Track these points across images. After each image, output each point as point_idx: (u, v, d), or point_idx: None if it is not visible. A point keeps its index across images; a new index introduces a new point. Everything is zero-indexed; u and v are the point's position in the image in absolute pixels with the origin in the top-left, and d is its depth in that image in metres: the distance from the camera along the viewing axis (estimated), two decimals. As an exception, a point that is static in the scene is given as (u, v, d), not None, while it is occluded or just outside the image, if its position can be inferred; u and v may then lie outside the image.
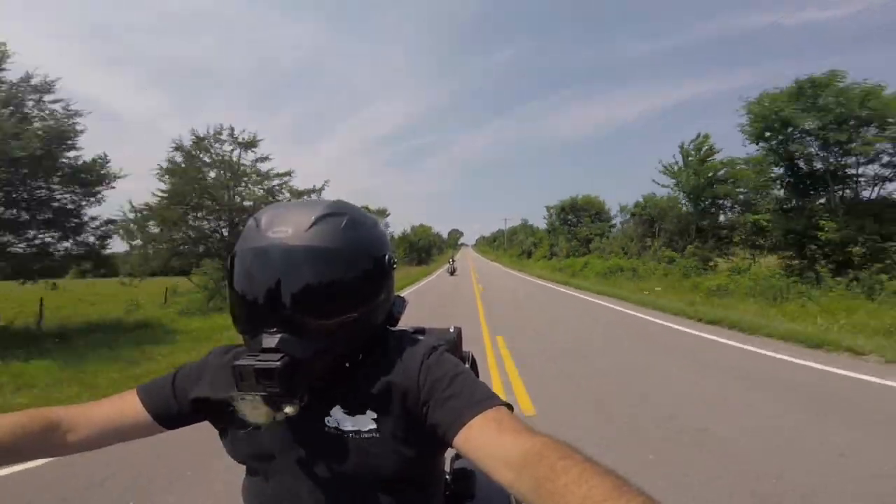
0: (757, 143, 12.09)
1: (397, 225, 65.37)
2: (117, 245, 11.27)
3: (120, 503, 2.47)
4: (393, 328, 0.76)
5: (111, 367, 5.57)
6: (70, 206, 8.22)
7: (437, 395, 0.61)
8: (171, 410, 0.71)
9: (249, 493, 0.71)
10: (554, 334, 7.66)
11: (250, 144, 13.64)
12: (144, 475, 2.76)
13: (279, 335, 0.59)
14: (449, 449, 0.66)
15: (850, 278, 9.73)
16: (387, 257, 0.70)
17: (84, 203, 8.33)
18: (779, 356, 5.56)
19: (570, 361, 5.55)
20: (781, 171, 12.18)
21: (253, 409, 0.58)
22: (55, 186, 8.06)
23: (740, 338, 6.82)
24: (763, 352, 5.86)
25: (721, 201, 16.73)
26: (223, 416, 0.67)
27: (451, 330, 1.04)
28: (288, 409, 0.58)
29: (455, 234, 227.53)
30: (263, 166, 13.86)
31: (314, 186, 14.46)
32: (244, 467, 0.72)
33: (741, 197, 14.67)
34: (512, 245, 67.28)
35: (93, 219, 8.62)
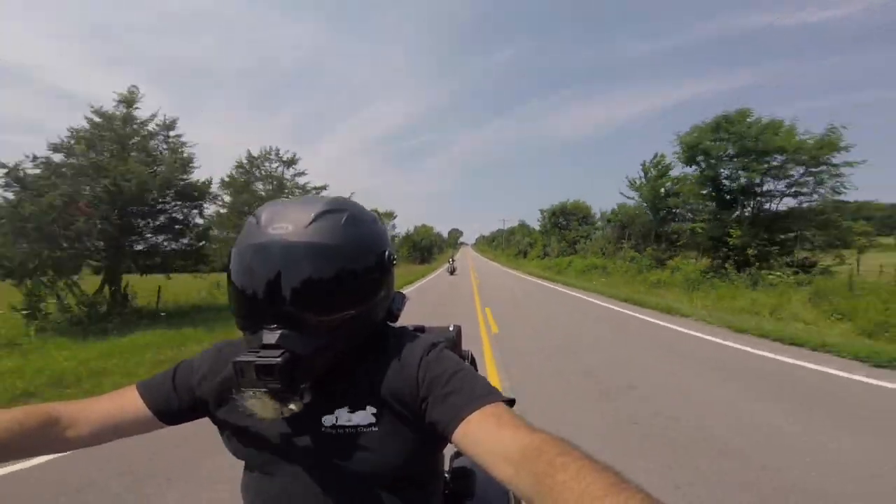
0: (690, 167, 15.56)
1: (401, 226, 68.59)
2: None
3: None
4: (393, 325, 0.77)
5: (201, 333, 7.87)
6: (179, 216, 11.57)
7: (436, 391, 0.62)
8: (171, 406, 0.72)
9: (249, 490, 0.71)
10: (524, 305, 11.36)
11: (291, 162, 17.10)
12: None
13: (279, 331, 0.60)
14: (448, 448, 0.70)
15: (746, 274, 13.10)
16: (387, 254, 0.71)
17: (191, 213, 11.70)
18: (671, 326, 9.00)
19: (530, 314, 9.13)
20: (709, 188, 15.57)
21: (262, 405, 0.59)
22: (168, 201, 11.41)
23: (655, 315, 10.29)
24: (661, 323, 9.30)
25: (676, 211, 20.12)
26: (223, 413, 0.70)
27: (451, 328, 1.06)
28: (292, 406, 0.60)
29: (455, 234, 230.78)
30: (301, 179, 17.30)
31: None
32: (243, 463, 0.72)
33: (687, 208, 18.03)
34: (509, 245, 70.65)
35: (196, 225, 11.97)
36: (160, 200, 11.23)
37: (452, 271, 26.81)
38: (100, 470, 2.84)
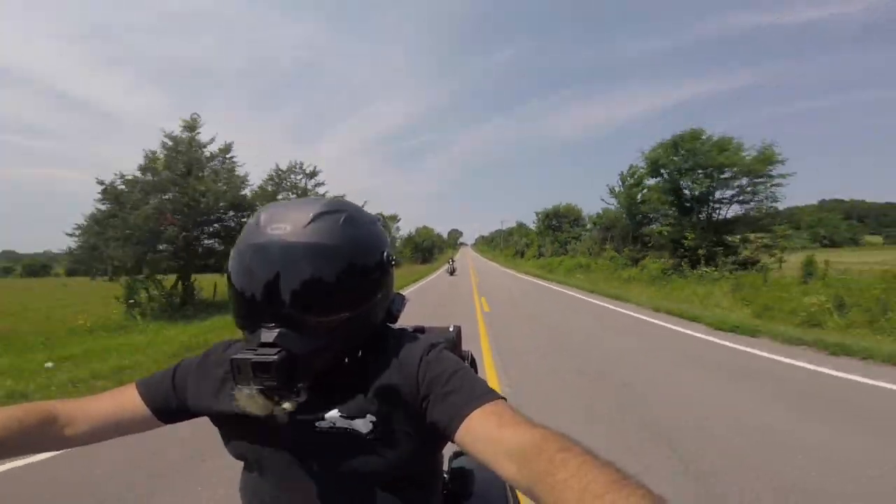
0: (654, 178, 18.23)
1: (403, 227, 71.19)
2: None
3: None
4: (392, 326, 0.78)
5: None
6: (231, 224, 14.18)
7: (436, 390, 0.63)
8: (170, 405, 0.73)
9: (247, 490, 0.71)
10: (515, 295, 14.06)
11: (313, 174, 19.77)
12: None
13: (277, 330, 0.60)
14: (446, 448, 0.71)
15: (696, 271, 15.70)
16: (385, 254, 0.71)
17: (241, 221, 14.32)
18: (635, 314, 11.63)
19: (517, 301, 11.74)
20: (671, 197, 18.20)
21: (251, 400, 0.59)
22: (224, 212, 14.02)
23: (609, 301, 12.95)
24: (608, 305, 11.95)
25: (650, 216, 22.73)
26: (222, 411, 0.70)
27: (451, 329, 1.07)
28: (286, 405, 0.60)
29: (454, 234, 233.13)
30: (321, 189, 19.97)
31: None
32: (241, 464, 0.73)
33: (656, 214, 20.64)
34: (507, 245, 73.27)
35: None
36: (221, 211, 13.89)
37: (452, 272, 27.07)
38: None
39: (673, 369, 5.42)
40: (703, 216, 17.38)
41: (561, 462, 0.46)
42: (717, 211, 17.23)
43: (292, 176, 19.45)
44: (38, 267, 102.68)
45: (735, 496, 2.52)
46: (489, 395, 0.61)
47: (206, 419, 0.74)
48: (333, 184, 27.14)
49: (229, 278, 0.66)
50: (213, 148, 13.39)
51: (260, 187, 18.80)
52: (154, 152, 12.67)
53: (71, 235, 11.67)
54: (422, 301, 12.96)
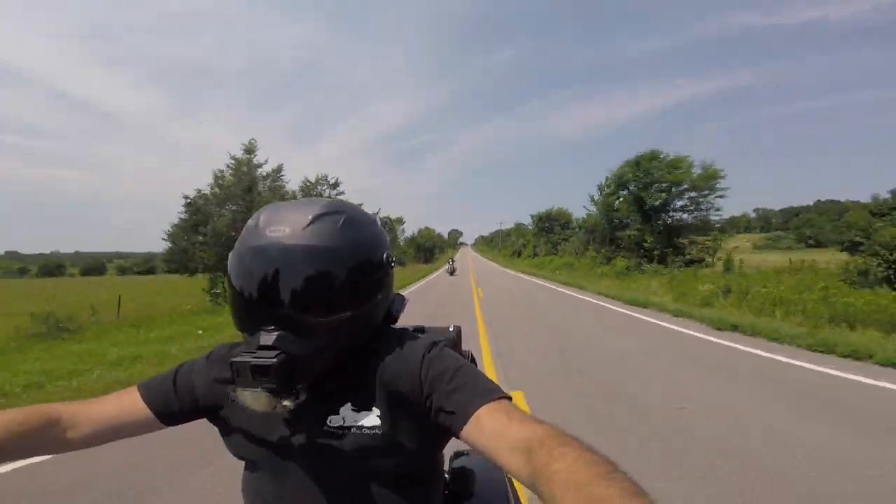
0: (620, 192, 21.93)
1: (406, 228, 74.79)
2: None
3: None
4: (393, 326, 0.78)
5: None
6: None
7: (440, 388, 0.63)
8: (172, 407, 0.73)
9: (250, 490, 0.72)
10: (504, 286, 17.68)
11: (335, 185, 23.40)
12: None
13: (277, 332, 0.60)
14: (447, 448, 0.72)
15: (652, 269, 19.31)
16: (385, 255, 0.71)
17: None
18: (588, 298, 15.31)
19: (507, 289, 15.40)
20: (636, 207, 21.86)
21: (255, 398, 0.60)
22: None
23: (573, 290, 16.68)
24: (568, 292, 15.65)
25: (624, 221, 26.37)
26: (223, 413, 0.71)
27: (451, 329, 1.08)
28: (286, 403, 0.60)
29: (454, 234, 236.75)
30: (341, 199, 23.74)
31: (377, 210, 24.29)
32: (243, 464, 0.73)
33: (626, 220, 24.28)
34: (505, 246, 76.93)
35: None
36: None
37: (452, 272, 27.43)
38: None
39: (591, 325, 9.05)
40: (660, 223, 21.02)
41: (559, 455, 0.47)
42: (672, 218, 20.88)
43: (318, 187, 23.01)
44: (52, 267, 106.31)
45: (598, 384, 6.11)
46: (494, 391, 0.61)
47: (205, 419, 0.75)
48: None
49: (229, 280, 0.66)
50: (266, 168, 17.06)
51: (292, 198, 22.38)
52: (222, 171, 16.31)
53: (165, 240, 15.31)
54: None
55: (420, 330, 0.97)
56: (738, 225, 21.02)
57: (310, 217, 0.64)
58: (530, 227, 51.48)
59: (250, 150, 16.81)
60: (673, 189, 20.14)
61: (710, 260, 19.08)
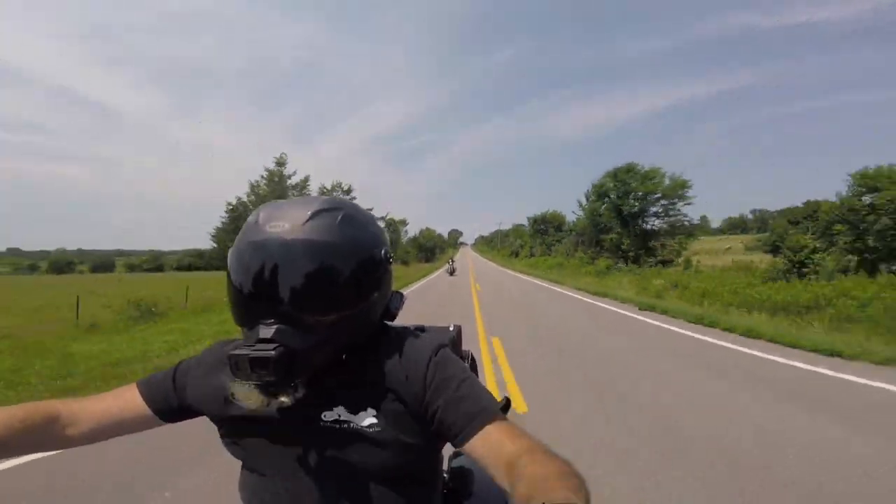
0: (602, 200, 24.77)
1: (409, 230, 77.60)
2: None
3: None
4: (391, 324, 0.79)
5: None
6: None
7: (446, 395, 0.65)
8: (171, 404, 0.74)
9: (247, 489, 0.72)
10: (498, 282, 20.60)
11: (348, 191, 26.17)
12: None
13: (276, 326, 0.61)
14: (446, 447, 0.72)
15: (628, 268, 22.13)
16: (384, 252, 0.72)
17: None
18: (566, 292, 18.18)
19: (502, 285, 18.34)
20: (616, 213, 24.71)
21: (246, 394, 0.60)
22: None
23: (554, 284, 19.60)
24: (577, 296, 18.50)
25: (608, 225, 29.22)
26: (220, 410, 0.71)
27: (451, 328, 1.08)
28: (283, 399, 0.61)
29: (454, 234, 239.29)
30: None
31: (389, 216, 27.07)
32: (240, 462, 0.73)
33: (610, 224, 27.11)
34: (504, 246, 79.75)
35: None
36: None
37: (452, 272, 27.63)
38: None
39: (556, 306, 11.88)
40: (637, 227, 23.86)
41: (531, 462, 0.54)
42: (647, 223, 23.72)
43: (334, 193, 25.74)
44: (62, 264, 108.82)
45: (546, 344, 8.93)
46: (495, 410, 0.64)
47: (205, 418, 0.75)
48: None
49: (228, 276, 0.67)
50: (295, 179, 19.89)
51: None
52: (258, 182, 19.11)
53: (211, 241, 18.12)
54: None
55: (420, 329, 0.96)
56: (736, 226, 23.77)
57: (309, 213, 0.65)
58: (528, 229, 54.47)
59: (281, 163, 19.62)
60: (648, 197, 23.00)
61: (677, 260, 21.89)
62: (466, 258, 71.47)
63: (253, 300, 0.64)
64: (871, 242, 12.66)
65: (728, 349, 6.42)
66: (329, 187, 25.85)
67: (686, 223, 22.74)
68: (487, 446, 0.61)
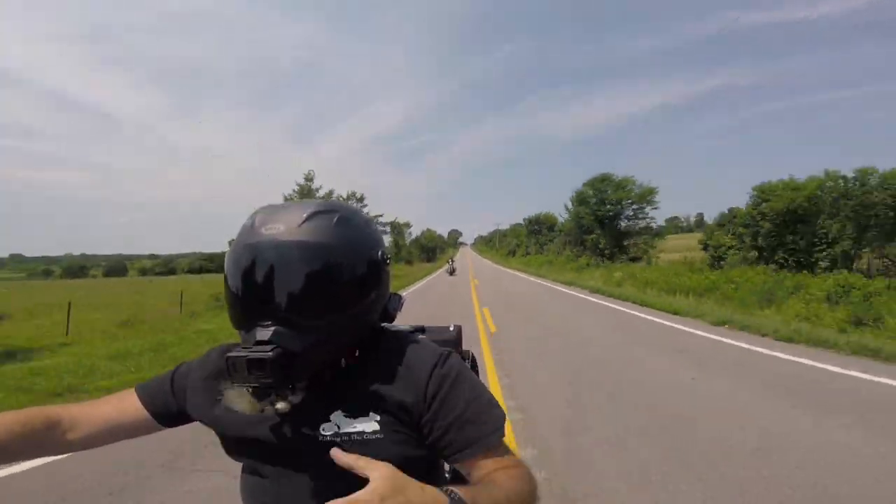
0: (582, 206, 28.77)
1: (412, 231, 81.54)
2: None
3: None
4: (390, 325, 0.79)
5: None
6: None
7: (452, 414, 0.65)
8: (170, 409, 0.74)
9: (247, 492, 0.72)
10: (493, 277, 24.86)
11: (360, 199, 30.00)
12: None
13: (273, 328, 0.61)
14: None
15: (604, 264, 26.00)
16: (380, 254, 0.72)
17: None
18: (562, 288, 22.16)
19: (496, 278, 22.55)
20: (595, 217, 28.64)
21: (238, 397, 0.61)
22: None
23: (539, 277, 23.72)
24: (552, 285, 22.52)
25: (590, 227, 33.12)
26: (217, 414, 0.70)
27: (451, 328, 1.07)
28: (279, 405, 0.61)
29: (454, 234, 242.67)
30: (364, 211, 30.44)
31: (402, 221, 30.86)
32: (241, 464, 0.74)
33: (592, 226, 31.04)
34: (502, 246, 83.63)
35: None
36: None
37: (452, 272, 27.84)
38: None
39: (535, 293, 15.87)
40: (612, 229, 27.78)
41: (508, 475, 0.62)
42: (621, 225, 27.65)
43: (349, 202, 29.51)
44: (76, 269, 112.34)
45: (518, 314, 12.81)
46: (497, 441, 0.66)
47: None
48: (334, 184, 33.66)
49: (225, 279, 0.67)
50: (322, 192, 23.68)
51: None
52: (290, 196, 22.85)
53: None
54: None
55: (420, 329, 0.94)
56: (701, 225, 27.90)
57: (304, 215, 0.65)
58: (524, 229, 58.40)
59: (309, 178, 23.44)
60: (622, 203, 26.94)
61: (645, 257, 25.78)
62: (466, 258, 74.50)
63: (249, 302, 0.64)
64: (760, 242, 16.61)
65: (628, 313, 10.39)
66: (345, 196, 29.57)
67: (652, 225, 26.74)
68: (478, 475, 0.65)
